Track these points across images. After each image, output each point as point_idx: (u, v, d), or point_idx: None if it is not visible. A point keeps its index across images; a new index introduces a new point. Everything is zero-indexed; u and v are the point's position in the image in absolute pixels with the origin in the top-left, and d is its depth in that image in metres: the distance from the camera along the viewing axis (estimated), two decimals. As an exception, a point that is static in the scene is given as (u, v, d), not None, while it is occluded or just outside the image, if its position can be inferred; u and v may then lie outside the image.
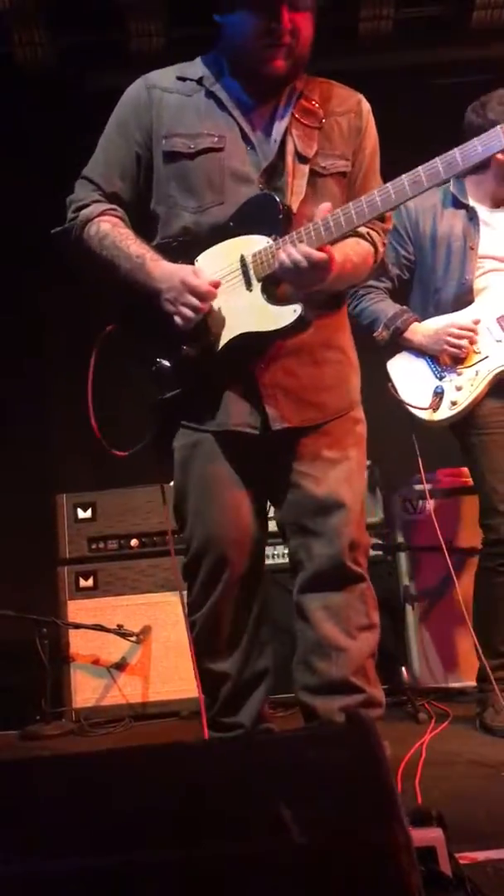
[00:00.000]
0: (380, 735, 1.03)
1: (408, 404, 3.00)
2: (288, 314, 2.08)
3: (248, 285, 2.11)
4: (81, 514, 3.86)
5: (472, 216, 3.02)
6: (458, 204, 3.06)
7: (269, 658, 2.30)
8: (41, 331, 4.48)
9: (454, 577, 3.06)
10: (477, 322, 2.94)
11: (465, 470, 3.35)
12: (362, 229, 2.20)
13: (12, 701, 3.78)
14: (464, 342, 2.93)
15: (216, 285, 2.10)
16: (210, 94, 2.20)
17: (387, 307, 3.09)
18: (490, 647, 2.96)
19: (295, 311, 2.07)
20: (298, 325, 2.10)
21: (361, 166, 2.25)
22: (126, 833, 0.99)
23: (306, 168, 2.15)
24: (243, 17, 2.07)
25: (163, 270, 2.13)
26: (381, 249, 2.28)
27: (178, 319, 2.10)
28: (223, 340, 2.12)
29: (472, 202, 3.04)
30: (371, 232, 2.25)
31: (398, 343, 3.05)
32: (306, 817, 0.95)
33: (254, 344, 2.12)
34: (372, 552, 3.68)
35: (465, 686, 3.42)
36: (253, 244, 2.11)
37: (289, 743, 1.14)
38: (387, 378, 3.06)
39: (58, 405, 4.28)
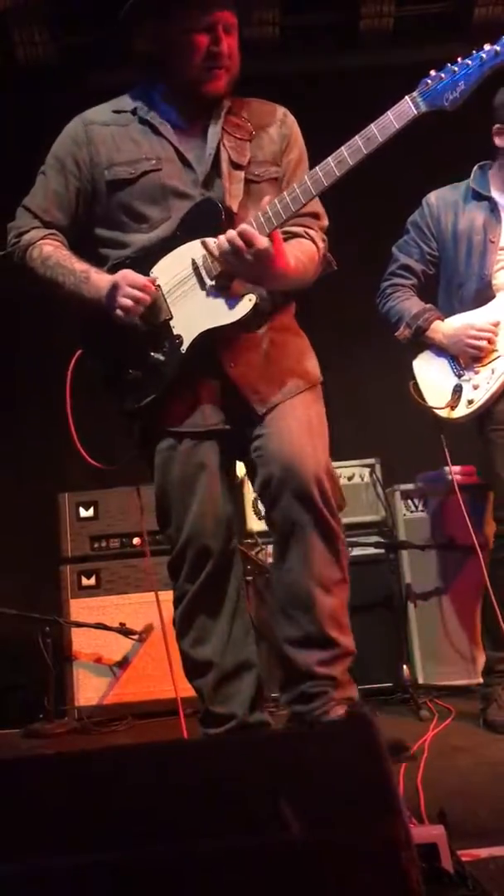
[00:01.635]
0: (380, 731, 1.03)
1: (427, 403, 3.02)
2: (245, 304, 2.21)
3: (203, 285, 2.24)
4: (84, 512, 3.86)
5: (494, 208, 3.02)
6: (479, 197, 3.06)
7: (252, 649, 2.39)
8: (45, 329, 4.47)
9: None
10: (496, 324, 2.94)
11: (472, 468, 3.37)
12: (298, 230, 2.34)
13: (15, 699, 3.79)
14: (482, 343, 2.93)
15: (153, 281, 2.24)
16: (144, 122, 2.36)
17: (411, 305, 3.12)
18: (497, 639, 2.96)
19: (250, 299, 2.20)
20: (255, 313, 2.23)
21: (288, 170, 2.39)
22: (126, 829, 0.99)
23: (241, 174, 2.31)
24: (185, 44, 2.23)
25: (102, 278, 2.28)
26: (321, 245, 2.39)
27: (119, 312, 2.23)
28: (187, 341, 2.24)
29: (494, 193, 3.04)
30: (308, 230, 2.37)
31: (421, 342, 3.07)
32: (307, 813, 0.95)
33: (218, 340, 2.24)
34: (374, 550, 3.72)
35: (468, 683, 3.42)
36: (201, 247, 2.23)
37: (289, 739, 1.14)
38: (411, 376, 3.09)
39: (61, 404, 4.28)
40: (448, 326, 3.03)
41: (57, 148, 2.41)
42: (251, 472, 2.38)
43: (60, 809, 1.05)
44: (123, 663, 3.68)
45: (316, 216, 2.40)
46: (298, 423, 2.27)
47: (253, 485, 2.38)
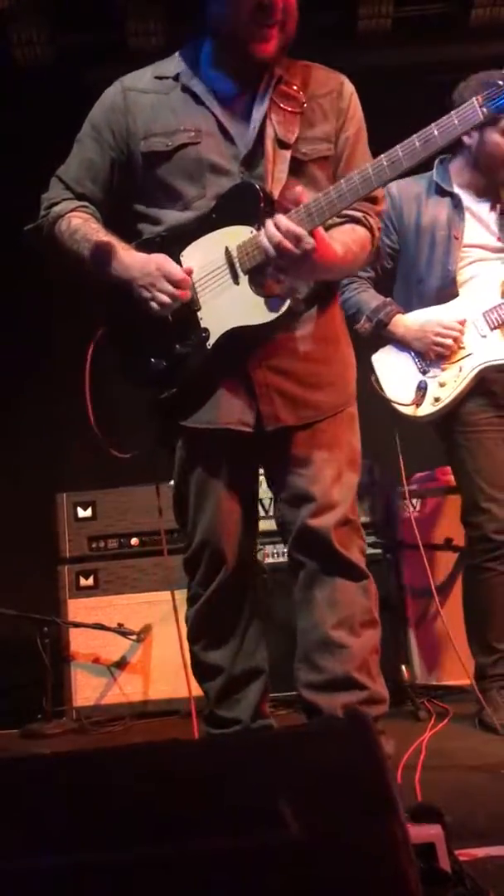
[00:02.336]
0: (379, 732, 1.03)
1: (391, 399, 2.97)
2: (277, 306, 2.06)
3: (235, 278, 2.09)
4: (82, 512, 3.86)
5: (457, 203, 2.98)
6: (442, 192, 3.01)
7: (263, 656, 2.33)
8: (45, 328, 4.48)
9: (438, 576, 3.05)
10: (463, 322, 2.90)
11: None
12: (358, 214, 2.19)
13: (13, 699, 3.79)
14: (448, 342, 2.89)
15: (189, 272, 2.11)
16: (186, 90, 2.18)
17: (370, 298, 3.05)
18: (484, 644, 2.96)
19: (284, 302, 2.06)
20: (288, 317, 2.09)
21: (345, 148, 2.21)
22: (124, 829, 0.99)
23: (287, 153, 2.11)
24: None
25: (134, 258, 2.14)
26: (377, 234, 2.24)
27: (154, 305, 2.11)
28: (213, 337, 2.11)
29: (457, 189, 3.00)
30: (368, 216, 2.22)
31: (382, 335, 3.01)
32: (304, 813, 0.95)
33: (247, 339, 2.10)
34: (372, 550, 3.72)
35: (465, 684, 3.41)
36: (236, 235, 2.08)
37: (287, 739, 1.14)
38: (370, 371, 3.03)
39: (59, 404, 4.28)
40: (412, 321, 2.97)
41: (94, 114, 2.25)
42: (269, 483, 2.30)
43: (58, 809, 1.05)
44: (121, 663, 3.68)
45: (374, 200, 2.22)
46: (325, 457, 2.16)
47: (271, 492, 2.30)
